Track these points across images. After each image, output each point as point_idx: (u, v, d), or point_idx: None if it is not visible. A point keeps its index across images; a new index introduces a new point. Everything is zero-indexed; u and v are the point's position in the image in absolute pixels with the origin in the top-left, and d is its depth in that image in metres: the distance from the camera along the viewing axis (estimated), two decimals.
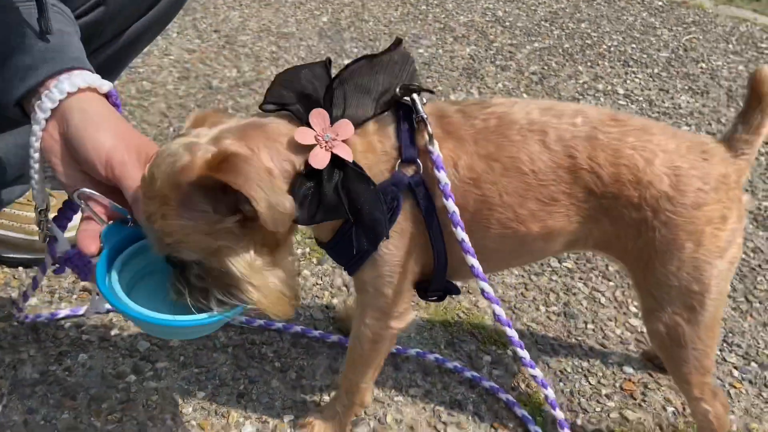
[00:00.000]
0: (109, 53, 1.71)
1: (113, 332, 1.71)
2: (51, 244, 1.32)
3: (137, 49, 1.88)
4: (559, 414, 1.33)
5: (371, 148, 1.17)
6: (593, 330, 1.86)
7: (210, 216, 1.04)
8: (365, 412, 1.56)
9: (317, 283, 1.97)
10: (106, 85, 1.19)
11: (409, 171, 1.18)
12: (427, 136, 1.16)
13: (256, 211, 1.00)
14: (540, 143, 1.21)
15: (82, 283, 1.73)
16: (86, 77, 1.16)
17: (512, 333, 1.24)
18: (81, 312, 1.73)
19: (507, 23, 3.90)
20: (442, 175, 1.15)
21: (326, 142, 1.11)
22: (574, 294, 1.98)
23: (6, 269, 1.87)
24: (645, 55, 3.63)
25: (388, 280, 1.27)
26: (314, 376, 1.66)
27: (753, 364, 1.79)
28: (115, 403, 1.54)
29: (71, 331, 1.71)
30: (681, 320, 1.28)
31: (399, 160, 1.17)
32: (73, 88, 1.13)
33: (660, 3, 4.46)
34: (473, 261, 1.18)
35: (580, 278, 2.04)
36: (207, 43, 3.36)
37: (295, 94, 1.15)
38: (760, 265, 2.14)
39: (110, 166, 1.11)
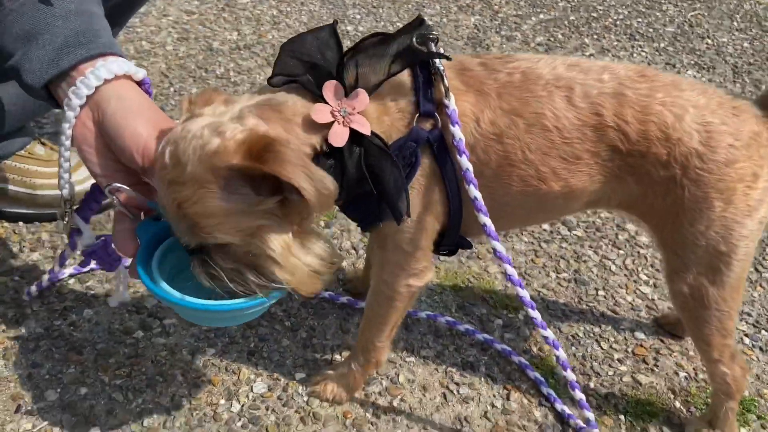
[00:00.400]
0: (116, 1, 1.65)
1: (120, 289, 1.66)
2: (72, 236, 1.27)
3: None
4: (570, 375, 1.31)
5: (386, 111, 1.13)
6: (604, 297, 1.85)
7: (251, 197, 1.00)
8: (377, 372, 1.54)
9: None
10: (140, 73, 1.14)
11: (428, 125, 1.14)
12: (443, 89, 1.12)
13: (302, 197, 0.96)
14: (566, 100, 1.18)
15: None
16: (122, 64, 1.11)
17: (524, 293, 1.21)
18: (85, 270, 1.69)
19: None
20: (457, 131, 1.11)
21: (343, 118, 1.07)
22: (585, 261, 1.96)
23: (6, 224, 1.82)
24: (651, 29, 3.59)
25: (408, 236, 1.24)
26: (325, 335, 1.63)
27: (763, 332, 1.78)
28: (123, 358, 1.50)
29: (76, 287, 1.66)
30: (706, 281, 1.26)
31: (417, 115, 1.14)
32: (110, 75, 1.08)
33: None
34: (485, 220, 1.15)
35: (590, 246, 2.03)
36: (206, 5, 3.28)
37: (304, 64, 1.09)
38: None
39: (148, 156, 1.06)
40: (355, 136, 1.08)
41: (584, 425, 1.39)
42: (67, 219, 1.23)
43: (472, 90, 1.18)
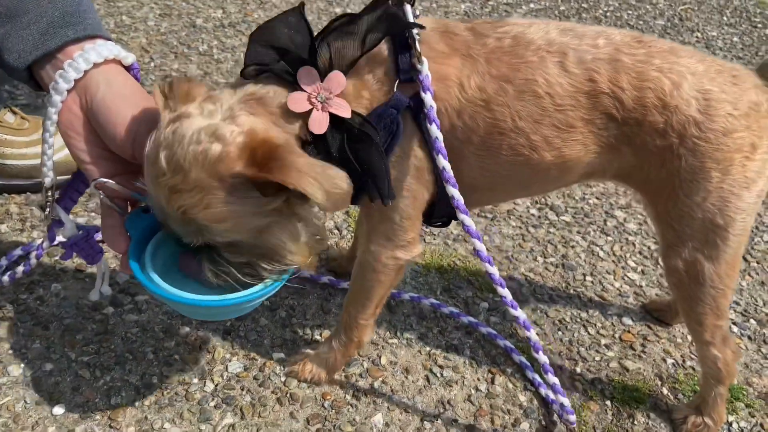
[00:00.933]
0: None
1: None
2: (52, 227, 1.20)
3: None
4: (542, 358, 1.25)
5: (364, 85, 1.09)
6: (592, 282, 1.81)
7: (259, 200, 0.98)
8: (358, 353, 1.49)
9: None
10: (130, 57, 1.08)
11: (410, 91, 1.09)
12: (416, 54, 1.06)
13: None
14: (558, 65, 1.13)
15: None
16: (111, 48, 1.04)
17: (493, 270, 1.16)
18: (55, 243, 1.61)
19: None
20: (428, 98, 1.06)
21: (321, 104, 1.03)
22: (572, 247, 1.92)
23: None
24: (641, 22, 3.57)
25: (395, 205, 1.18)
26: (305, 315, 1.57)
27: (752, 321, 1.75)
28: (91, 334, 1.43)
29: (45, 260, 1.59)
30: (701, 257, 1.22)
31: (397, 81, 1.08)
32: (100, 59, 1.02)
33: None
34: (454, 192, 1.10)
35: (578, 232, 1.99)
36: None
37: (275, 52, 1.05)
38: (756, 227, 2.11)
39: (138, 144, 1.00)
40: (335, 119, 1.04)
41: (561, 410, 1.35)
42: (48, 210, 1.15)
43: (457, 54, 1.13)
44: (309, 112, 1.03)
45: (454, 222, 1.90)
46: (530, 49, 1.14)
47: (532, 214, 2.03)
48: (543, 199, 2.10)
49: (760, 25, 3.76)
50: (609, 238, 1.98)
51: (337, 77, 1.04)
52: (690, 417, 1.41)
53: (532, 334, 1.24)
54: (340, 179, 0.96)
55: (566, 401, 1.28)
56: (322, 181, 0.94)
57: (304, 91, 1.03)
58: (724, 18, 3.79)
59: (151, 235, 1.11)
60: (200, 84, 1.04)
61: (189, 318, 1.50)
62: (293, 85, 1.04)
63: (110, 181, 1.05)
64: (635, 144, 1.17)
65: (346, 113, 1.04)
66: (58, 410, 1.27)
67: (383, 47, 1.09)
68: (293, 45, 1.04)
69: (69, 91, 1.01)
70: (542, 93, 1.13)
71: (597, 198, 2.15)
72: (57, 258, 1.60)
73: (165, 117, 0.98)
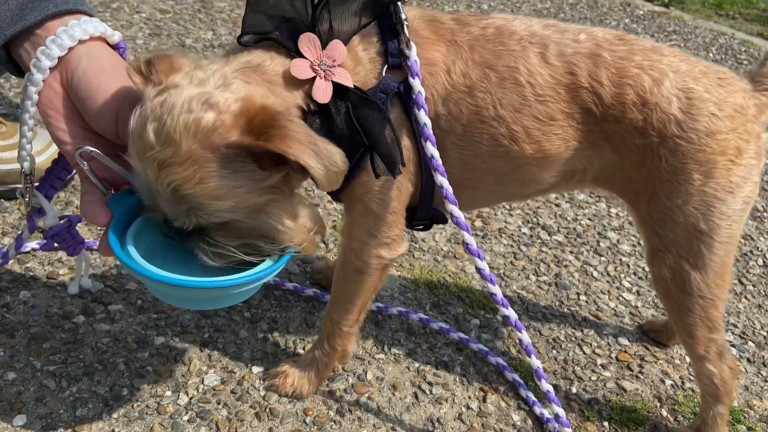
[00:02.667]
0: None
1: (62, 271, 1.52)
2: (32, 216, 1.12)
3: None
4: (534, 362, 1.17)
5: (359, 60, 1.06)
6: (586, 302, 1.75)
7: (257, 174, 0.91)
8: (343, 368, 1.41)
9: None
10: (116, 35, 1.01)
11: (398, 76, 1.06)
12: (404, 39, 1.04)
13: (308, 174, 0.89)
14: (539, 56, 1.11)
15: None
16: (96, 25, 0.98)
17: (483, 265, 1.10)
18: (27, 249, 1.53)
19: None
20: (416, 83, 1.03)
21: (324, 72, 1.00)
22: (566, 266, 1.87)
23: None
24: None
25: (379, 196, 1.12)
26: (287, 329, 1.49)
27: (750, 343, 1.70)
28: (60, 343, 1.35)
29: (14, 268, 1.51)
30: (687, 265, 1.17)
31: (385, 66, 1.06)
32: (85, 36, 0.95)
33: (641, 12, 4.48)
34: (443, 181, 1.06)
35: (571, 252, 1.94)
36: (181, 5, 3.19)
37: (274, 19, 1.01)
38: (751, 251, 2.08)
39: (122, 121, 0.93)
40: (337, 89, 1.00)
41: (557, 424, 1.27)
42: (27, 197, 1.08)
43: (443, 40, 1.11)
44: (310, 80, 0.99)
45: (444, 239, 1.85)
46: (513, 39, 1.12)
47: (524, 233, 1.98)
48: (534, 218, 2.06)
49: (745, 62, 3.81)
50: (602, 259, 1.93)
51: (339, 46, 1.01)
52: None
53: (525, 335, 1.17)
54: (337, 156, 0.91)
55: (561, 411, 1.20)
56: (323, 156, 0.88)
57: (306, 58, 0.99)
58: (710, 54, 3.84)
59: (134, 217, 1.02)
60: (182, 56, 0.97)
61: (164, 327, 1.42)
62: (292, 54, 1.00)
63: (96, 150, 0.96)
64: (615, 142, 1.14)
65: (349, 83, 1.01)
66: (19, 421, 1.18)
67: (372, 31, 1.07)
68: (293, 11, 1.01)
69: (52, 69, 0.94)
70: (523, 81, 1.10)
71: (589, 219, 2.11)
72: (28, 265, 1.52)
73: (149, 92, 0.90)
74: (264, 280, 0.99)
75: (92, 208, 1.00)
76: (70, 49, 0.94)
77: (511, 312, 1.14)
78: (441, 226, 1.92)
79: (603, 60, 1.11)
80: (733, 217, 1.15)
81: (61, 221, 1.12)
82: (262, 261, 0.99)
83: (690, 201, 1.13)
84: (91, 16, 1.00)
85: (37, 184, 1.11)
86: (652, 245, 1.21)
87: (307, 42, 0.99)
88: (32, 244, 1.52)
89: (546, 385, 1.18)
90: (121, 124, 0.94)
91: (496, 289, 1.12)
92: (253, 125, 0.88)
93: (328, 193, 1.20)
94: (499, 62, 1.10)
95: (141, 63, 0.92)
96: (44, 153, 1.66)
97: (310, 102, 1.00)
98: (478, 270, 1.10)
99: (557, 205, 2.15)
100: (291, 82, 0.99)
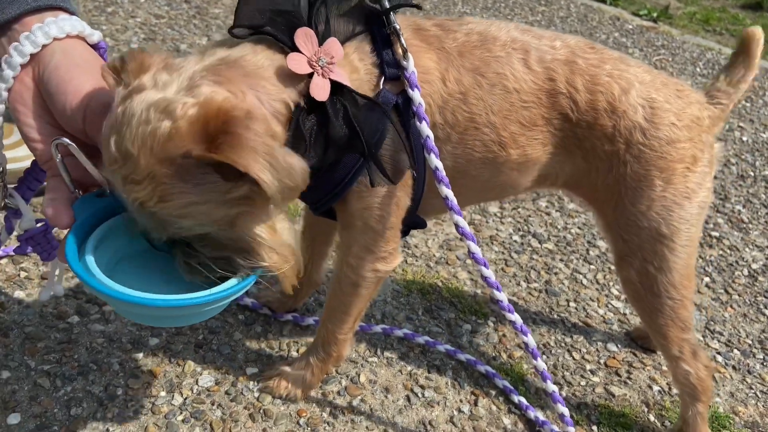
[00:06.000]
0: None
1: (56, 272, 1.52)
2: (8, 218, 1.07)
3: None
4: (540, 364, 1.21)
5: (355, 68, 1.02)
6: (576, 308, 1.78)
7: (220, 185, 0.84)
8: (336, 371, 1.42)
9: None
10: (95, 35, 0.95)
11: (394, 88, 1.04)
12: (400, 50, 1.02)
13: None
14: (522, 62, 1.13)
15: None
16: (75, 23, 0.93)
17: (489, 273, 1.11)
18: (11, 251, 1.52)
19: None
20: (416, 95, 1.01)
21: (322, 68, 0.94)
22: (556, 273, 1.90)
23: None
24: None
25: (377, 213, 1.12)
26: (281, 331, 1.51)
27: (735, 351, 1.73)
28: (54, 343, 1.35)
29: (8, 267, 1.51)
30: (652, 269, 1.22)
31: (382, 78, 1.03)
32: (61, 34, 0.90)
33: (630, 26, 4.55)
34: (447, 192, 1.06)
35: (561, 259, 1.97)
36: (176, 11, 3.21)
37: (269, 12, 0.95)
38: (737, 261, 2.11)
39: (90, 122, 0.88)
40: (333, 89, 0.95)
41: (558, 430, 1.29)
42: (2, 196, 1.03)
43: (433, 48, 1.10)
44: (305, 77, 0.94)
45: (436, 245, 1.87)
46: (497, 45, 1.14)
47: (515, 241, 2.01)
48: (525, 226, 2.08)
49: None
50: (592, 267, 1.96)
51: (336, 44, 0.97)
52: None
53: (539, 362, 1.21)
54: (297, 171, 0.83)
55: (566, 410, 1.23)
56: (279, 168, 0.81)
57: (303, 54, 0.94)
58: (697, 69, 3.91)
59: (101, 222, 0.95)
60: (157, 53, 0.91)
61: (158, 328, 1.43)
62: (285, 49, 0.94)
63: (73, 144, 0.90)
64: (586, 148, 1.18)
65: (347, 81, 0.97)
66: (14, 419, 1.18)
67: (365, 41, 1.04)
68: (290, 4, 0.97)
69: (24, 65, 0.90)
70: (511, 88, 1.13)
71: (579, 228, 2.14)
72: (22, 265, 1.52)
73: (119, 95, 0.85)
74: (228, 300, 0.92)
75: (56, 207, 0.93)
76: (44, 46, 0.90)
77: (516, 317, 1.17)
78: (433, 232, 1.95)
79: (578, 67, 1.15)
80: (691, 221, 1.21)
81: (38, 224, 1.07)
82: (230, 279, 0.92)
83: (653, 206, 1.19)
84: (72, 13, 0.96)
85: (14, 185, 1.06)
86: (619, 250, 1.26)
87: (304, 36, 0.94)
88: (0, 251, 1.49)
89: (551, 386, 1.22)
90: (89, 125, 0.90)
91: (502, 296, 1.14)
92: (207, 132, 0.80)
93: (314, 210, 1.16)
94: (488, 69, 1.12)
95: (117, 61, 0.88)
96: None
97: (303, 100, 0.95)
98: (484, 278, 1.12)
99: (548, 214, 2.18)
100: (282, 77, 0.93)
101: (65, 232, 0.91)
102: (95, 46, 0.98)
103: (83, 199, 0.94)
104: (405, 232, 1.25)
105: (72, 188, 0.92)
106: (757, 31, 1.24)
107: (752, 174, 2.73)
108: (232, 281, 0.91)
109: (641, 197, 1.18)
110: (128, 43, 2.77)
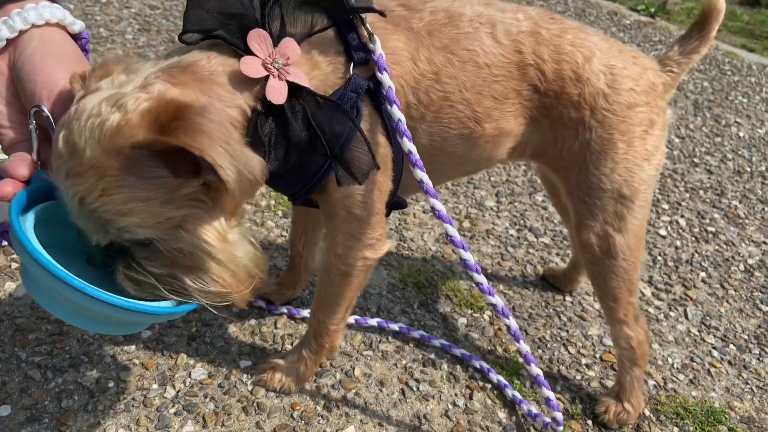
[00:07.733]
0: None
1: None
2: None
3: None
4: (523, 347, 1.21)
5: (314, 65, 0.99)
6: (571, 302, 1.77)
7: (168, 181, 0.81)
8: (330, 364, 1.41)
9: (282, 235, 1.81)
10: (77, 24, 0.95)
11: (364, 73, 1.01)
12: (366, 34, 1.00)
13: (220, 179, 0.78)
14: (491, 36, 1.13)
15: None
16: (56, 11, 0.92)
17: (467, 256, 1.10)
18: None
19: None
20: (385, 78, 0.99)
21: (278, 70, 0.91)
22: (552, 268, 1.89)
23: None
24: None
25: (361, 199, 1.10)
26: (275, 324, 1.49)
27: (731, 346, 1.73)
28: (45, 335, 1.34)
29: None
30: (612, 230, 1.25)
31: (351, 64, 1.00)
32: (40, 21, 0.90)
33: (628, 21, 4.54)
34: (422, 175, 1.04)
35: (557, 254, 1.96)
36: (171, 2, 3.18)
37: (220, 16, 0.91)
38: (733, 257, 2.11)
39: (57, 105, 0.87)
40: (292, 90, 0.93)
41: (549, 420, 1.28)
42: None
43: (400, 29, 1.08)
44: (261, 81, 0.91)
45: (432, 239, 1.86)
46: (464, 21, 1.13)
47: (511, 235, 2.00)
48: (522, 221, 2.07)
49: (729, 73, 3.87)
50: None
51: (292, 44, 0.93)
52: (611, 406, 1.41)
53: (534, 368, 1.21)
54: (254, 164, 0.81)
55: (551, 394, 1.22)
56: (237, 157, 0.78)
57: (257, 56, 0.91)
58: (695, 64, 3.90)
59: (44, 198, 0.89)
60: (125, 60, 0.90)
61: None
62: (238, 53, 0.91)
63: (50, 116, 0.87)
64: (553, 117, 1.20)
65: (306, 82, 0.94)
66: (4, 411, 1.17)
67: (329, 30, 1.01)
68: (241, 7, 0.93)
69: (0, 51, 0.89)
70: (482, 63, 1.13)
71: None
72: (13, 256, 1.50)
73: (77, 96, 0.84)
74: (157, 319, 0.88)
75: (16, 160, 0.88)
76: (22, 32, 0.89)
77: (497, 300, 1.16)
78: (429, 225, 1.94)
79: (543, 38, 1.16)
80: (648, 182, 1.25)
81: None
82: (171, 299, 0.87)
83: (616, 168, 1.22)
84: (53, 1, 0.95)
85: None
86: (580, 214, 1.28)
87: (257, 38, 0.91)
88: None
89: (535, 369, 1.21)
90: (55, 107, 0.88)
91: (482, 278, 1.14)
92: (160, 121, 0.78)
93: (293, 201, 1.14)
94: (458, 46, 1.11)
95: (88, 70, 0.87)
96: None
97: (260, 104, 0.92)
98: (449, 236, 1.10)
99: (544, 208, 2.17)
100: (236, 82, 0.90)
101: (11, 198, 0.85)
102: (77, 36, 0.97)
103: (39, 171, 0.89)
104: (387, 214, 1.23)
105: (36, 157, 0.89)
106: (719, 4, 1.24)
107: (749, 170, 2.72)
108: (165, 303, 0.86)
109: (606, 160, 1.22)
110: (122, 34, 2.75)
